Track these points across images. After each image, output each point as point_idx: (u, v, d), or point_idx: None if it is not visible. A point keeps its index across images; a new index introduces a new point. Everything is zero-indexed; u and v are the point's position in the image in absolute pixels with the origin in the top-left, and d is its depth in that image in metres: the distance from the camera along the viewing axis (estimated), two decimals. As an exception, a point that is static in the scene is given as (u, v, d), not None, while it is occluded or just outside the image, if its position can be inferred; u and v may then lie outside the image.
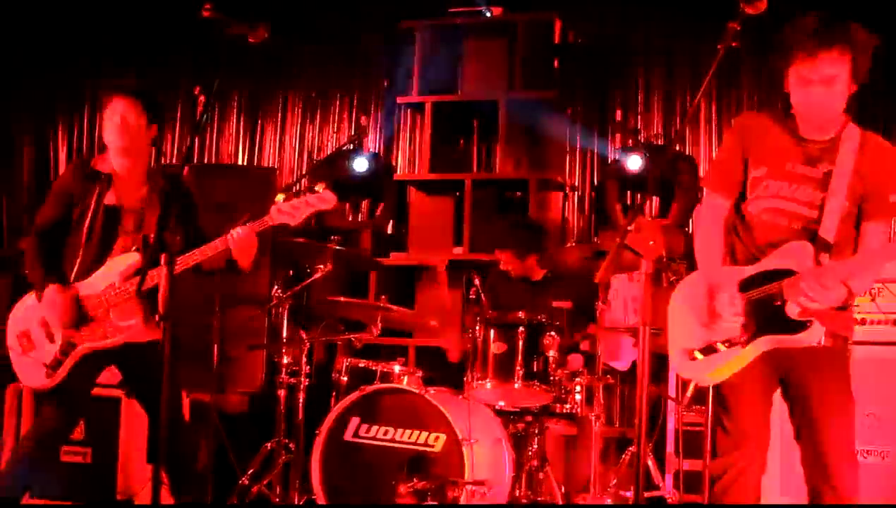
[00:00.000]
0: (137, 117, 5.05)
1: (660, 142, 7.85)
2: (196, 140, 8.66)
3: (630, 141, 7.89)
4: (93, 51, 8.98)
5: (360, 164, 8.27)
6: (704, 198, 4.48)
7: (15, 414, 6.62)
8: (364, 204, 8.57)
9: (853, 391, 4.19)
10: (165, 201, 4.93)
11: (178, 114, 8.97)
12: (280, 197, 4.97)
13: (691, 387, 5.61)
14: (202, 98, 3.81)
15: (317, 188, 4.89)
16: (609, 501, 5.89)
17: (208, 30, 3.78)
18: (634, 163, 7.66)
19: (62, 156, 9.26)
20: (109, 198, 5.03)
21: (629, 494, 5.93)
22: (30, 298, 5.06)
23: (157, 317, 3.96)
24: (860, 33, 4.03)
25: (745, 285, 4.18)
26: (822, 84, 4.02)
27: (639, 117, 8.03)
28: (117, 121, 5.03)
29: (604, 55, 8.20)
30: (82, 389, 5.12)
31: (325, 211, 4.98)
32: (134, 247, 5.00)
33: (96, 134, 9.05)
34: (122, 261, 4.98)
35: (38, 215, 5.13)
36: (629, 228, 3.84)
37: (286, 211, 4.85)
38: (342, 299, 6.50)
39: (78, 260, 4.99)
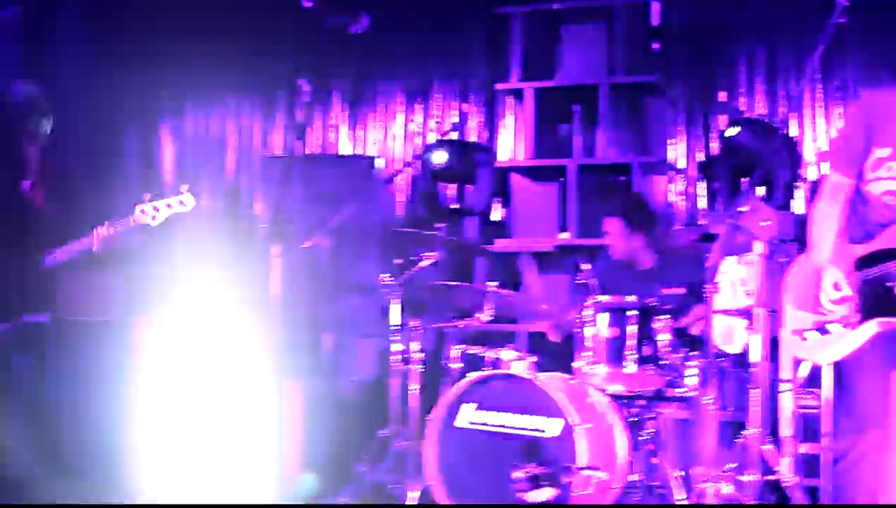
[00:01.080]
0: None
1: (764, 122, 7.75)
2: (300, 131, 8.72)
3: (735, 121, 7.81)
4: (192, 45, 9.07)
5: (461, 152, 8.28)
6: (825, 177, 4.42)
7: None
8: (467, 191, 8.57)
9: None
10: None
11: (281, 106, 9.07)
12: (147, 196, 5.06)
13: (805, 368, 5.56)
14: (307, 89, 3.81)
15: (181, 189, 4.99)
16: (726, 485, 5.84)
17: (309, 20, 3.78)
18: (739, 143, 7.57)
19: (167, 152, 9.38)
20: None
21: (746, 478, 5.87)
22: None
23: None
24: None
25: (859, 265, 4.12)
26: None
27: (742, 98, 7.94)
28: None
29: (704, 36, 8.12)
30: None
31: (184, 212, 5.08)
32: None
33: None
34: None
35: None
36: (741, 209, 3.81)
37: (148, 211, 5.02)
38: (452, 286, 6.53)
39: None
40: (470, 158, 8.28)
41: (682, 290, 6.15)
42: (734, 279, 6.63)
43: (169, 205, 5.01)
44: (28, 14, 8.53)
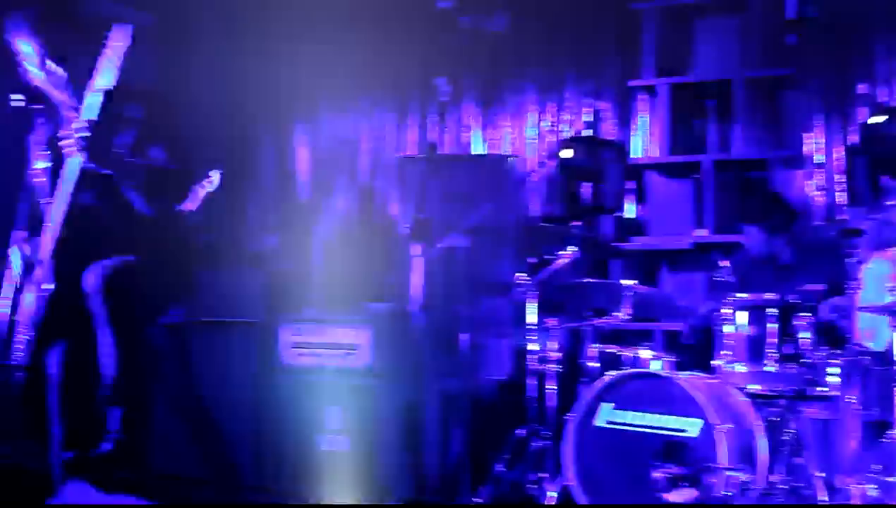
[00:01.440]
0: None
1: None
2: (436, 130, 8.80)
3: (881, 109, 7.63)
4: (325, 47, 9.18)
5: (592, 149, 8.24)
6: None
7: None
8: (601, 189, 8.53)
9: None
10: None
11: (415, 107, 9.14)
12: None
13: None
14: (445, 88, 3.82)
15: (210, 174, 5.07)
16: (871, 487, 5.73)
17: (444, 20, 3.78)
18: (883, 133, 7.41)
19: (301, 154, 9.51)
20: None
21: (892, 480, 5.76)
22: None
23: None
24: None
25: None
26: None
27: (882, 89, 7.78)
28: None
29: (841, 26, 7.96)
30: None
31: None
32: None
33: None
34: None
35: None
36: (889, 203, 3.74)
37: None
38: (589, 285, 6.52)
39: None
40: (601, 155, 8.24)
41: (820, 286, 6.05)
42: (879, 275, 6.50)
43: (202, 188, 5.16)
44: (163, 20, 8.71)
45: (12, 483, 5.04)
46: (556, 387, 6.26)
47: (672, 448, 5.60)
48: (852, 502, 5.39)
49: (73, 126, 4.89)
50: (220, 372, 6.91)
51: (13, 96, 4.87)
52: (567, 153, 8.08)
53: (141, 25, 8.37)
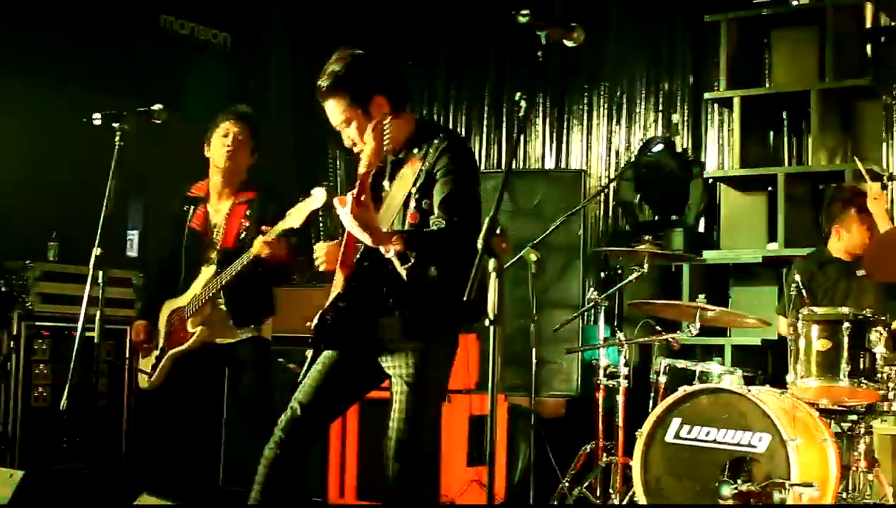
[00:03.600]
0: (246, 140, 5.68)
1: None
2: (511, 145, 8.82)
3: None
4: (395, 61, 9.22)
5: (668, 163, 8.20)
6: None
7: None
8: (675, 203, 8.47)
9: None
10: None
11: (489, 121, 9.15)
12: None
13: None
14: (522, 102, 3.78)
15: (312, 191, 5.09)
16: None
17: (524, 34, 3.75)
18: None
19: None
20: (196, 220, 5.68)
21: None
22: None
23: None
24: None
25: None
26: None
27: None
28: (227, 141, 5.63)
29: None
30: (180, 389, 5.68)
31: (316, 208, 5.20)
32: (215, 259, 5.57)
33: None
34: (204, 273, 5.58)
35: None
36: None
37: (293, 214, 5.22)
38: (658, 302, 6.47)
39: (181, 278, 5.68)
40: (677, 169, 8.19)
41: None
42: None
43: (306, 205, 5.19)
44: (238, 39, 8.82)
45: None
46: (625, 403, 6.21)
47: (741, 463, 5.53)
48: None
49: None
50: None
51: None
52: (643, 167, 8.05)
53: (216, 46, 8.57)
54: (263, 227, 5.35)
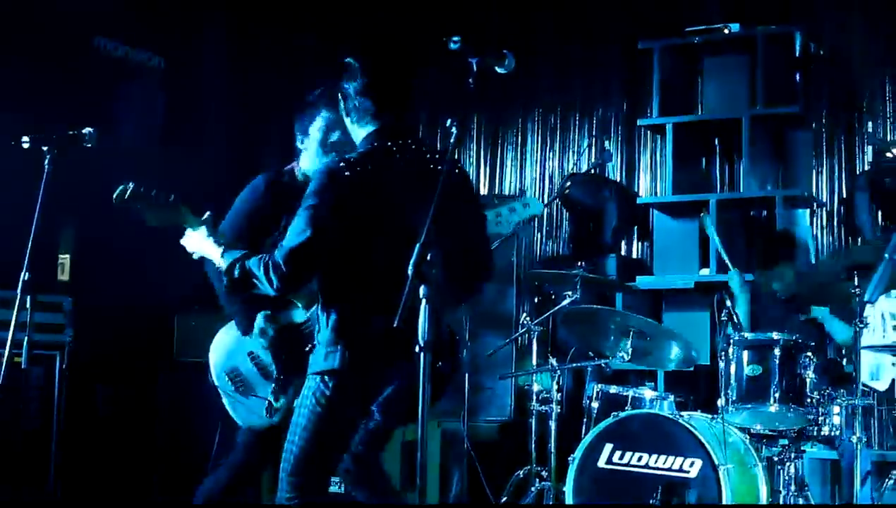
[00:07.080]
0: None
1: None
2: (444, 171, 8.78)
3: (882, 152, 7.60)
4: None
5: (593, 187, 8.23)
6: None
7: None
8: (604, 228, 8.51)
9: None
10: None
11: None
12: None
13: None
14: (454, 129, 3.78)
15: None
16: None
17: (454, 61, 3.75)
18: (887, 172, 7.38)
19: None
20: None
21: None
22: (229, 332, 4.93)
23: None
24: None
25: None
26: None
27: (888, 128, 7.75)
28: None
29: (847, 66, 7.96)
30: None
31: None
32: None
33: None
34: None
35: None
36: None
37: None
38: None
39: None
40: (604, 194, 8.23)
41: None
42: (884, 314, 6.47)
43: (513, 210, 4.91)
44: (172, 62, 8.75)
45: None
46: (557, 428, 6.21)
47: (672, 488, 5.56)
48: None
49: None
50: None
51: None
52: (570, 192, 8.09)
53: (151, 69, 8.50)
54: None
